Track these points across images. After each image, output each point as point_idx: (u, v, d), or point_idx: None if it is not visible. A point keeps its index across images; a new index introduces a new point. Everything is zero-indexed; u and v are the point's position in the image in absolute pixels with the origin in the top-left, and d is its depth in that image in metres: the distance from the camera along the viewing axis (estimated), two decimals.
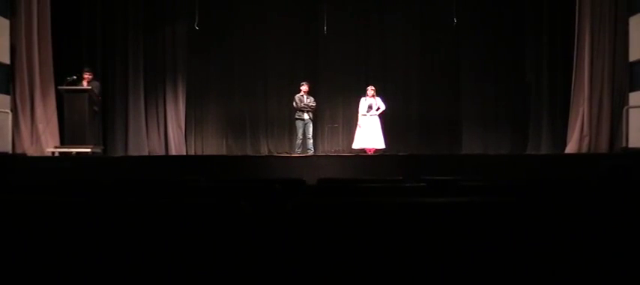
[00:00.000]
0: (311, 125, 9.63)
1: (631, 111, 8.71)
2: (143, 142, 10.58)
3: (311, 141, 9.67)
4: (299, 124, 9.60)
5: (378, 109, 9.60)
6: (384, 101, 9.81)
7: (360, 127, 9.64)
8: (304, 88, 9.61)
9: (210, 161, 8.52)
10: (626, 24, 8.95)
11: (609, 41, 9.11)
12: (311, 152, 9.52)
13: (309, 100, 9.59)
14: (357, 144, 9.70)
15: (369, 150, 9.58)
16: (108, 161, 8.56)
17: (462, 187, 2.52)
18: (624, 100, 8.96)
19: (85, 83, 8.54)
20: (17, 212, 1.43)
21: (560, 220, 1.35)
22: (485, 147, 10.77)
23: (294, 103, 9.62)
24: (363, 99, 9.65)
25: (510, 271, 1.32)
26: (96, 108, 8.73)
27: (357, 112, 9.77)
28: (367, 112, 9.56)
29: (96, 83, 8.80)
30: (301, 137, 9.58)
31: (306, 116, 9.55)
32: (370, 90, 9.61)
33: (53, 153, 8.44)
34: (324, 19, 10.42)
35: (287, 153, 10.11)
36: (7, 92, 8.62)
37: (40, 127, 8.76)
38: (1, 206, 1.45)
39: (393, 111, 10.83)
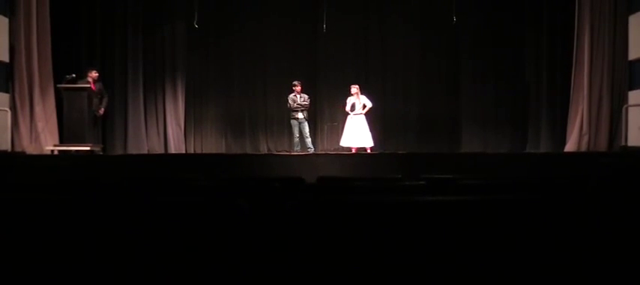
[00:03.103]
0: (306, 124, 9.61)
1: (630, 109, 8.72)
2: (142, 141, 10.58)
3: (309, 139, 9.66)
4: (294, 123, 9.59)
5: (364, 106, 9.56)
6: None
7: (347, 126, 9.63)
8: (297, 88, 9.58)
9: (209, 159, 8.53)
10: (626, 22, 8.95)
11: (609, 40, 9.12)
12: (311, 150, 9.51)
13: (303, 99, 9.57)
14: (344, 142, 9.68)
15: (354, 149, 9.57)
16: (107, 160, 8.56)
17: (461, 185, 2.52)
18: (623, 99, 8.97)
19: (90, 81, 8.52)
20: (16, 211, 1.43)
21: (560, 218, 1.35)
22: (484, 145, 10.77)
23: (288, 104, 9.61)
24: (349, 98, 9.65)
25: (510, 269, 1.32)
26: (102, 110, 8.75)
27: (345, 111, 9.75)
28: (351, 111, 9.54)
29: (100, 84, 8.81)
30: (298, 136, 9.58)
31: (300, 115, 9.52)
32: (353, 89, 9.59)
33: (52, 151, 8.43)
34: (324, 17, 10.42)
35: (286, 151, 10.10)
36: (6, 90, 8.62)
37: (40, 125, 8.76)
38: (0, 205, 1.45)
39: (393, 109, 10.84)
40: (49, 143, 8.73)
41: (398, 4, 11.14)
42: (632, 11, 8.82)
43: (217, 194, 2.46)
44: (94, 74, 8.66)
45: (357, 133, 9.49)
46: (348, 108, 9.60)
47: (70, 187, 2.77)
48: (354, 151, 9.53)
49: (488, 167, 7.05)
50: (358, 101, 9.53)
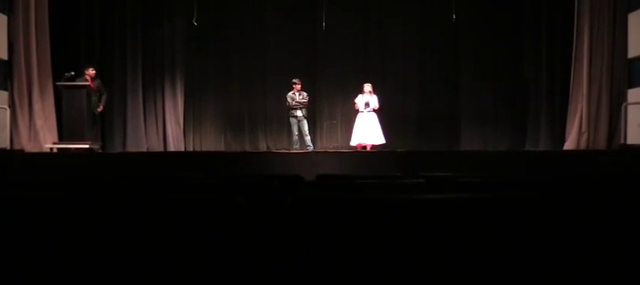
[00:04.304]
0: (305, 122, 9.58)
1: (629, 107, 8.72)
2: (141, 139, 10.58)
3: (308, 137, 9.64)
4: (293, 121, 9.56)
5: (367, 104, 9.53)
6: (383, 97, 9.79)
7: (358, 124, 9.61)
8: (297, 86, 9.54)
9: (208, 157, 8.52)
10: (625, 20, 8.95)
11: (608, 38, 9.11)
12: (311, 149, 9.50)
13: (302, 97, 9.55)
14: (355, 140, 9.66)
15: (361, 146, 9.57)
16: (106, 157, 8.56)
17: (461, 183, 2.52)
18: (623, 97, 8.97)
19: (88, 79, 8.52)
20: (15, 209, 1.42)
21: (559, 217, 1.35)
22: (483, 143, 10.77)
23: (287, 102, 9.58)
24: (359, 96, 9.62)
25: (509, 268, 1.32)
26: (101, 107, 8.75)
27: (355, 108, 9.72)
28: (364, 108, 9.51)
29: (98, 81, 8.81)
30: (297, 134, 9.56)
31: (299, 113, 9.49)
32: (367, 87, 9.57)
33: (51, 149, 8.43)
34: (323, 15, 10.41)
35: (285, 149, 10.10)
36: (5, 88, 8.62)
37: (38, 123, 8.75)
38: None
39: (392, 107, 10.82)
40: (48, 141, 8.72)
41: (397, 2, 11.13)
42: (632, 9, 8.81)
43: (216, 192, 2.46)
44: (91, 71, 8.66)
45: (368, 130, 9.47)
46: (360, 106, 9.56)
47: (69, 185, 2.77)
48: (368, 148, 9.53)
49: (487, 165, 7.05)
50: (371, 99, 9.51)
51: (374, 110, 9.51)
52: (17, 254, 1.37)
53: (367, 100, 9.51)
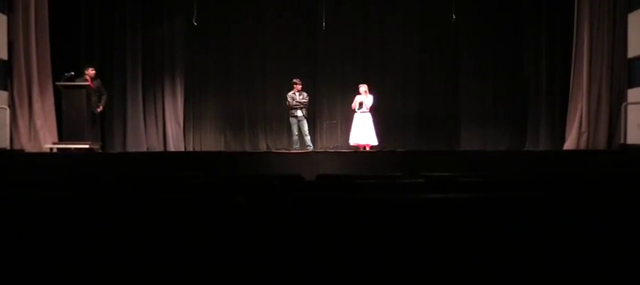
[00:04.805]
0: (305, 122, 9.59)
1: (629, 107, 8.71)
2: (141, 139, 10.57)
3: (308, 137, 9.64)
4: (293, 121, 9.57)
5: (361, 104, 9.54)
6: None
7: (353, 124, 9.66)
8: (298, 86, 9.54)
9: (208, 157, 8.52)
10: (625, 20, 8.94)
11: (608, 37, 9.10)
12: (310, 148, 9.50)
13: (302, 97, 9.55)
14: (352, 140, 9.71)
15: (361, 146, 9.60)
16: (106, 157, 8.56)
17: (461, 183, 2.52)
18: (623, 97, 8.97)
19: (88, 79, 8.52)
20: (15, 208, 1.42)
21: (559, 216, 1.35)
22: (483, 143, 10.77)
23: (287, 102, 9.58)
24: (357, 96, 9.65)
25: (509, 267, 1.32)
26: (101, 107, 8.75)
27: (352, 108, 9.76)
28: (358, 109, 9.55)
29: (98, 81, 8.82)
30: (297, 134, 9.57)
31: (299, 113, 9.50)
32: (362, 87, 9.59)
33: (51, 149, 8.43)
34: (323, 15, 10.42)
35: (285, 149, 10.10)
36: (4, 88, 8.60)
37: (38, 123, 8.74)
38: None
39: (392, 107, 10.83)
40: (47, 141, 8.71)
41: (397, 2, 11.13)
42: (632, 9, 8.80)
43: (217, 192, 2.46)
44: (91, 71, 8.66)
45: (362, 131, 9.50)
46: (355, 106, 9.59)
47: (69, 185, 2.77)
48: (365, 148, 9.56)
49: (487, 165, 7.05)
50: (366, 99, 9.53)
51: (369, 110, 9.52)
52: (17, 254, 1.37)
53: (362, 100, 9.53)
